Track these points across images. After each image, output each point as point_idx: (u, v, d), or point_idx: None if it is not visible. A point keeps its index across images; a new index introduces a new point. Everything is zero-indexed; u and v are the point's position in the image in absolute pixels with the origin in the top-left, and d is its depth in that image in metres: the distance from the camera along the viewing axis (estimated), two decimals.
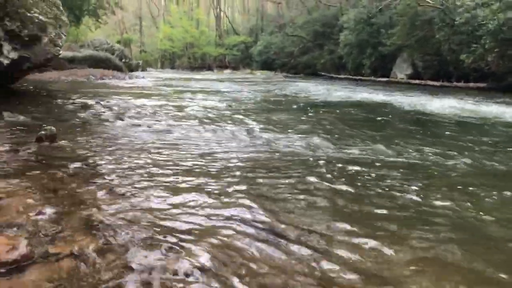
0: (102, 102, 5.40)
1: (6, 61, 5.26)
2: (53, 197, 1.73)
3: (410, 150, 3.35)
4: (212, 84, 11.86)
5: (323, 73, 26.59)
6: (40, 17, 5.62)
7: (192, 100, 6.33)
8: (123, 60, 17.96)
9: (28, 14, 5.45)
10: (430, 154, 3.23)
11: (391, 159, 3.01)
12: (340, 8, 26.15)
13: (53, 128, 2.72)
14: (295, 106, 6.61)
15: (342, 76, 23.55)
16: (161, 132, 3.55)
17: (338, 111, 6.22)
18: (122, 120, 4.08)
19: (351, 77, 22.38)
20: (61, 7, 6.20)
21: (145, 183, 2.03)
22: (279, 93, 9.18)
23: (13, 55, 5.33)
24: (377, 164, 2.77)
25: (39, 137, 2.60)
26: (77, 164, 2.24)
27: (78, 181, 1.95)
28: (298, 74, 31.16)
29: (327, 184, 2.19)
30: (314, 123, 4.80)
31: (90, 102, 5.38)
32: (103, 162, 2.37)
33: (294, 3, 36.43)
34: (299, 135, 3.87)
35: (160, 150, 2.76)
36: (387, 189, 2.18)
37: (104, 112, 4.60)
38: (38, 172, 2.02)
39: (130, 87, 8.36)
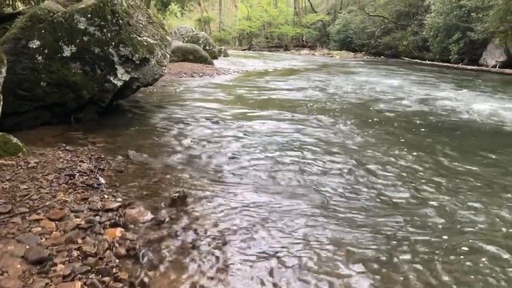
0: (209, 124, 5.70)
1: (119, 83, 5.75)
2: None
3: None
4: (301, 81, 11.88)
5: (406, 58, 25.71)
6: (149, 39, 6.03)
7: (304, 127, 6.00)
8: (207, 48, 18.50)
9: (139, 38, 5.90)
10: None
11: None
12: None
13: (185, 190, 3.05)
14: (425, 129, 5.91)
15: (427, 62, 22.56)
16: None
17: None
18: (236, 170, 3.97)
19: (437, 63, 21.41)
20: (166, 27, 6.61)
21: None
22: (387, 98, 8.76)
23: (125, 77, 5.81)
24: None
25: (174, 200, 2.94)
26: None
27: None
28: (378, 55, 30.36)
29: None
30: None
31: (194, 124, 5.73)
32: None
33: None
34: None
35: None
36: None
37: (217, 147, 4.55)
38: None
39: (224, 93, 8.66)
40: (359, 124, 6.07)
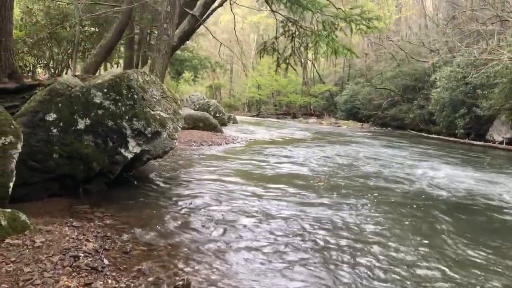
0: (217, 202, 5.69)
1: (130, 156, 5.83)
2: None
3: None
4: (307, 152, 12.02)
5: (413, 131, 26.11)
6: (162, 113, 6.20)
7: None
8: (217, 115, 18.92)
9: (152, 112, 6.06)
10: None
11: None
12: (432, 64, 25.62)
13: (188, 278, 3.00)
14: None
15: (434, 135, 22.82)
16: None
17: None
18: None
19: (443, 137, 21.67)
20: (179, 102, 6.80)
21: None
22: (392, 174, 8.88)
23: (136, 149, 5.90)
24: None
25: None
26: None
27: None
28: (385, 127, 30.82)
29: None
30: None
31: (202, 201, 5.73)
32: None
33: (383, 55, 36.31)
34: None
35: None
36: None
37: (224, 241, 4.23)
38: None
39: (231, 165, 8.72)
40: (368, 206, 6.02)
